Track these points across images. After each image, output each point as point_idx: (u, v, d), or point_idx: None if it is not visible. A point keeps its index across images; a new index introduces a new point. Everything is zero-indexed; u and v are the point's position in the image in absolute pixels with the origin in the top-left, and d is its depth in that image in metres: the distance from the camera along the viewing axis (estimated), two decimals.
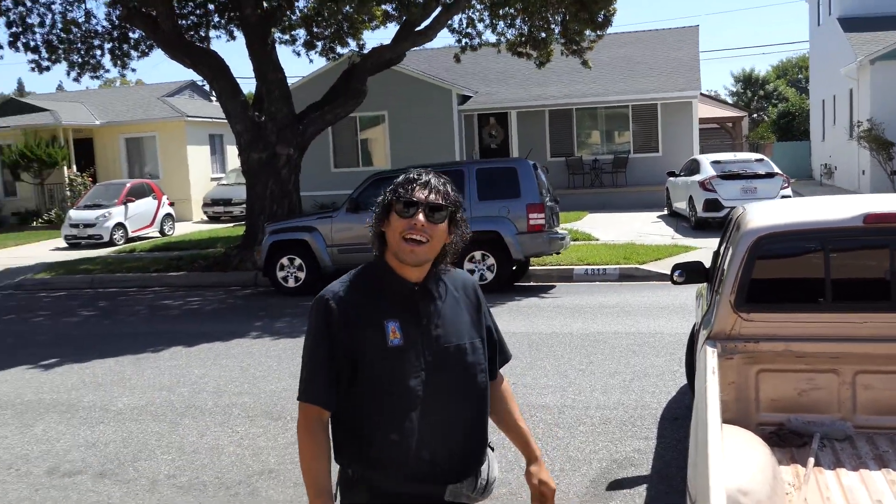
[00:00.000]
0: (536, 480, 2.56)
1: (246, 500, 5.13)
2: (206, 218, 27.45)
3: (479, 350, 2.45)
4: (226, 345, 9.27)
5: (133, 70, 21.96)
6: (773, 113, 49.01)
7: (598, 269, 12.83)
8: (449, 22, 17.22)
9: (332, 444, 2.40)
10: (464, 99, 24.77)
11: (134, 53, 19.10)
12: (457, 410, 2.38)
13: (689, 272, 5.31)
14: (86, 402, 7.39)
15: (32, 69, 19.25)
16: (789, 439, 3.84)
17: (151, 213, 22.97)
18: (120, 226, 21.69)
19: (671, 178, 19.99)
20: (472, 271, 11.79)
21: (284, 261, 12.70)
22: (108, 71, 19.55)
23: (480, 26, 18.88)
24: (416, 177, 2.35)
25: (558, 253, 12.76)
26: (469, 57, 19.85)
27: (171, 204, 24.34)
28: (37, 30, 17.86)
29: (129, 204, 22.18)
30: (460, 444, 2.39)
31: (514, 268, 12.36)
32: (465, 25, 18.67)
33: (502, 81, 25.70)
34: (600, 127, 25.09)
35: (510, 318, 9.84)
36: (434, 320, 2.36)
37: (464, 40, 18.79)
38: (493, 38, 18.92)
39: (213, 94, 16.24)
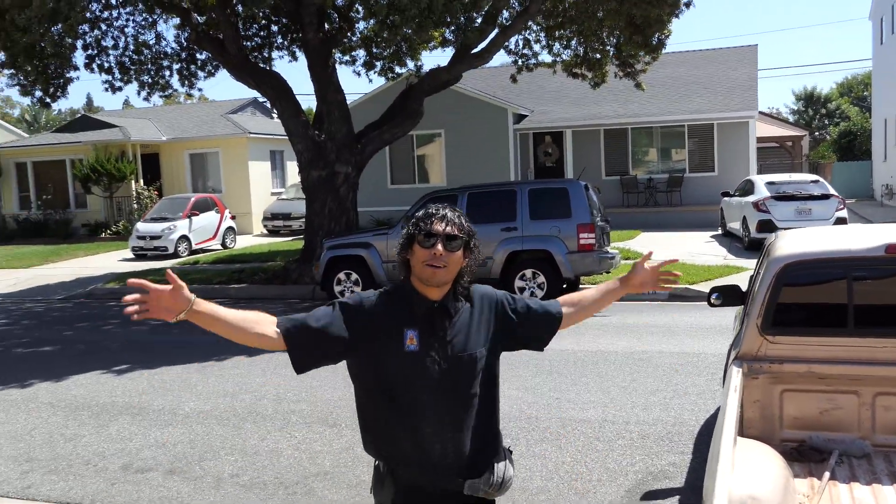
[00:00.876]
0: (640, 264, 3.14)
1: (302, 500, 5.51)
2: (265, 231, 28.22)
3: (487, 358, 2.79)
4: (285, 355, 9.68)
5: (199, 90, 22.87)
6: (835, 132, 48.27)
7: (650, 291, 12.98)
8: (505, 43, 17.60)
9: (361, 436, 2.81)
10: (519, 118, 25.11)
11: (201, 74, 19.86)
12: (469, 411, 2.72)
13: (726, 295, 5.53)
14: (155, 405, 7.90)
15: (106, 89, 20.19)
16: (809, 455, 4.08)
17: (214, 226, 23.77)
18: (184, 238, 22.50)
19: (725, 199, 20.02)
20: (522, 289, 12.12)
21: (341, 275, 13.18)
22: (176, 90, 20.28)
23: (537, 47, 19.20)
24: (434, 211, 2.73)
25: (608, 272, 12.99)
26: (525, 75, 20.20)
27: (233, 217, 25.14)
28: (111, 52, 18.74)
29: (194, 217, 23.00)
30: (473, 443, 2.73)
31: (564, 286, 12.63)
32: (521, 46, 19.04)
33: (558, 100, 25.99)
34: (655, 146, 25.18)
35: (559, 335, 10.09)
36: (450, 333, 2.71)
37: (520, 61, 19.14)
38: (548, 59, 19.24)
39: (276, 113, 16.79)
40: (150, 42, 19.46)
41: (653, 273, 3.12)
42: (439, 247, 2.66)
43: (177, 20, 18.20)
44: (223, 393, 8.20)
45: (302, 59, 17.73)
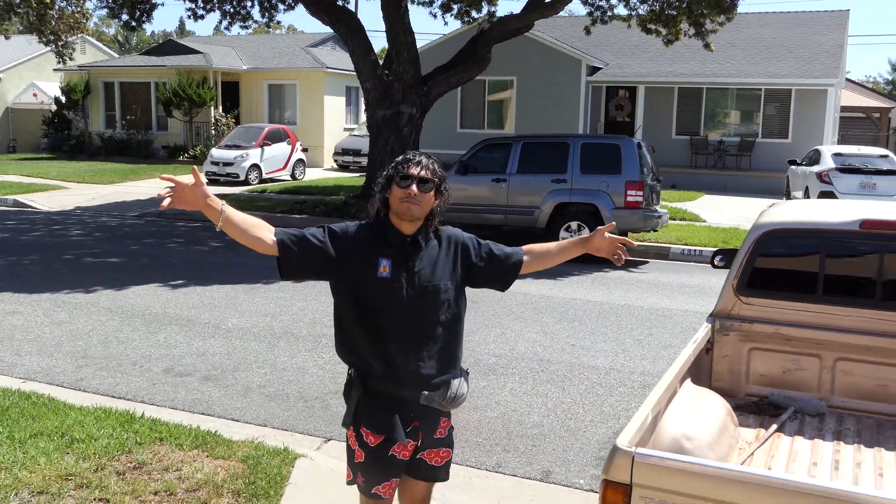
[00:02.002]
0: (601, 232, 3.43)
1: (318, 412, 6.06)
2: (335, 166, 28.89)
3: (451, 291, 3.19)
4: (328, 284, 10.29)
5: (278, 22, 23.36)
6: None
7: (695, 250, 13.15)
8: None
9: (335, 341, 3.24)
10: (593, 70, 24.98)
11: (281, 6, 20.34)
12: (431, 334, 3.13)
13: (729, 258, 5.80)
14: (202, 318, 8.56)
15: (189, 17, 20.87)
16: (766, 409, 4.40)
17: (285, 157, 24.49)
18: (255, 167, 23.28)
19: (792, 167, 19.76)
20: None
21: None
22: (256, 22, 20.79)
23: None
24: (411, 157, 3.11)
25: (655, 230, 13.16)
26: (605, 28, 20.12)
27: (305, 150, 25.82)
28: None
29: (266, 147, 23.73)
30: (433, 360, 3.14)
31: None
32: None
33: (634, 55, 25.73)
34: (729, 108, 24.82)
35: (591, 287, 10.44)
36: (418, 264, 3.12)
37: (596, 12, 19.06)
38: (624, 12, 19.11)
39: (348, 50, 17.20)
40: None
41: (610, 242, 3.44)
42: (414, 187, 3.06)
43: None
44: (264, 313, 8.82)
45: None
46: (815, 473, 3.67)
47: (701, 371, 4.59)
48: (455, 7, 19.70)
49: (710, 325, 4.51)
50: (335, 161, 28.77)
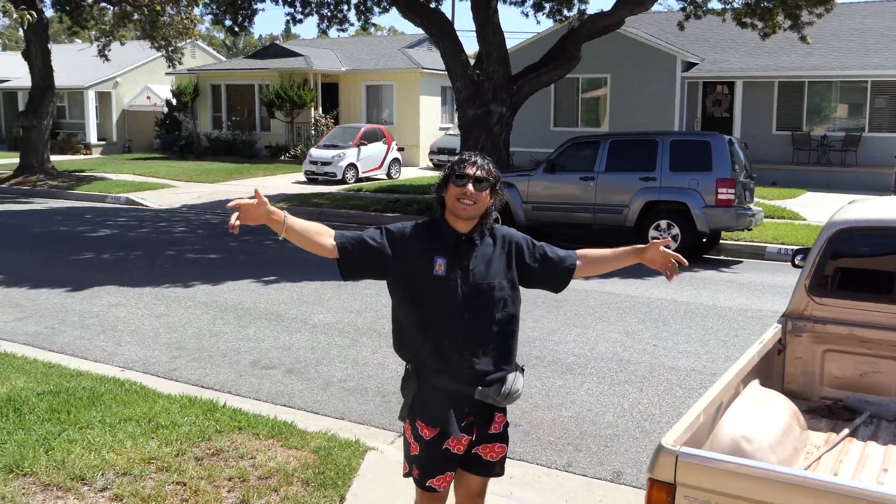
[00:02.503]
0: (656, 247, 3.44)
1: (395, 407, 6.17)
2: (431, 165, 29.18)
3: (506, 289, 3.24)
4: None
5: (373, 25, 23.75)
6: None
7: (791, 250, 12.73)
8: None
9: (392, 339, 3.35)
10: (689, 65, 24.46)
11: (376, 9, 20.71)
12: (486, 331, 3.20)
13: None
14: (290, 314, 8.85)
15: (288, 21, 21.62)
16: (839, 413, 4.28)
17: (381, 156, 24.90)
18: (352, 166, 23.77)
19: None
20: (655, 239, 12.21)
21: None
22: (352, 25, 21.24)
23: None
24: (467, 157, 3.18)
25: (749, 229, 12.83)
26: (700, 22, 19.68)
27: (401, 149, 26.20)
28: None
29: (362, 147, 24.19)
30: (488, 357, 3.21)
31: (703, 240, 12.63)
32: None
33: (732, 49, 25.05)
34: (833, 102, 23.88)
35: (679, 286, 10.27)
36: (473, 262, 3.19)
37: (689, 7, 18.68)
38: (719, 6, 18.66)
39: (439, 51, 17.39)
40: None
41: (664, 256, 3.44)
42: (470, 186, 3.13)
43: None
44: (350, 309, 9.05)
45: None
46: (883, 480, 3.56)
47: (772, 373, 4.50)
48: (547, 6, 19.67)
49: (780, 326, 4.42)
50: (430, 160, 29.07)
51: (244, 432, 5.10)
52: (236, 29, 19.59)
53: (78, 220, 16.48)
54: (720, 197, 11.92)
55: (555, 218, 13.25)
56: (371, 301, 9.39)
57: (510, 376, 3.28)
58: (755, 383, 4.01)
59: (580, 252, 3.50)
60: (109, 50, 26.12)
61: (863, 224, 4.39)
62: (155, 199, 20.06)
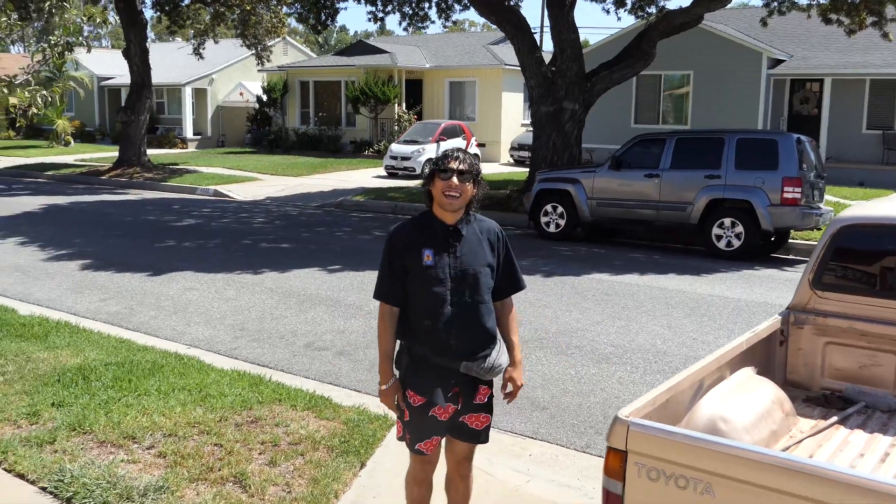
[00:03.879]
0: (508, 376, 3.68)
1: None
2: (511, 161, 29.42)
3: (489, 274, 3.57)
4: None
5: (454, 22, 23.93)
6: None
7: None
8: None
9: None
10: (775, 62, 23.99)
11: (457, 7, 21.08)
12: (470, 311, 3.52)
13: None
14: (348, 300, 9.31)
15: (369, 19, 22.11)
16: (834, 402, 4.43)
17: None
18: (431, 161, 24.20)
19: None
20: (719, 237, 12.25)
21: (548, 207, 13.98)
22: (433, 22, 21.66)
23: None
24: (450, 153, 3.51)
25: (817, 228, 12.67)
26: (789, 18, 19.32)
27: (482, 145, 26.52)
28: None
29: (441, 142, 24.63)
30: (472, 334, 3.53)
31: (771, 238, 12.57)
32: None
33: (821, 46, 24.43)
34: None
35: (733, 283, 10.31)
36: (459, 250, 3.51)
37: (772, 3, 18.42)
38: (804, 1, 18.31)
39: (514, 48, 17.64)
40: None
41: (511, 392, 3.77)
42: (454, 179, 3.46)
43: None
44: None
45: None
46: (855, 464, 3.73)
47: (774, 363, 4.68)
48: (628, 2, 19.66)
49: (780, 318, 4.59)
50: (511, 156, 29.31)
51: (283, 404, 5.54)
52: (319, 28, 20.26)
53: (166, 210, 17.44)
54: (786, 196, 11.84)
55: (619, 214, 13.36)
56: None
57: (493, 352, 3.60)
58: (747, 370, 4.21)
59: (512, 308, 3.80)
60: (204, 48, 27.32)
61: (866, 221, 4.51)
62: (240, 192, 20.96)
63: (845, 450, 3.89)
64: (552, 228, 13.94)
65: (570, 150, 16.71)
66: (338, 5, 19.96)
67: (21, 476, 4.45)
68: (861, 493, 2.57)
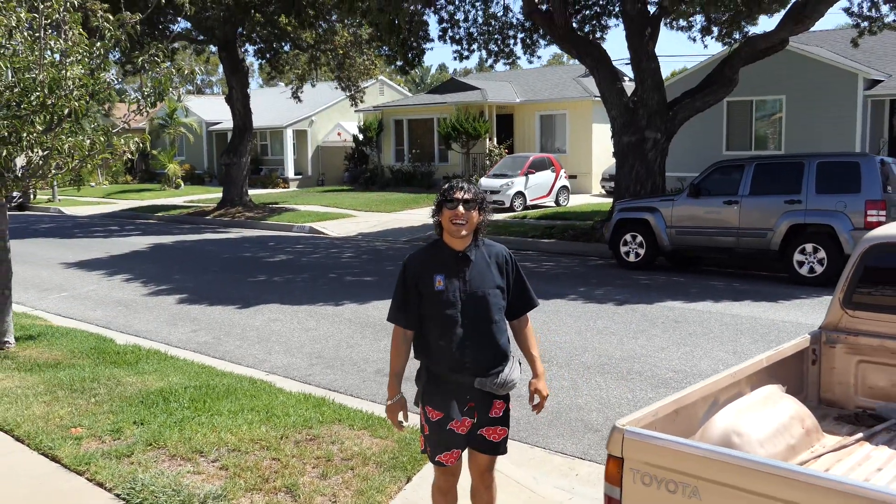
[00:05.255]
0: (533, 387, 3.89)
1: None
2: (603, 192, 29.40)
3: (499, 295, 3.82)
4: (542, 302, 10.97)
5: (539, 57, 24.28)
6: None
7: None
8: (846, 5, 16.76)
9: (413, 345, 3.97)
10: (872, 83, 23.32)
11: (542, 42, 21.45)
12: (481, 331, 3.79)
13: None
14: None
15: (455, 58, 22.75)
16: (864, 420, 4.46)
17: (549, 184, 25.50)
18: (520, 194, 24.52)
19: None
20: (801, 263, 12.06)
21: (628, 237, 14.04)
22: (518, 58, 22.05)
23: (885, 8, 17.91)
24: (455, 184, 3.80)
25: None
26: (884, 37, 18.80)
27: (573, 177, 26.66)
28: (461, 24, 21.03)
29: (530, 175, 24.92)
30: (484, 352, 3.80)
31: None
32: (863, 8, 17.90)
33: None
34: None
35: (811, 310, 10.15)
36: (468, 274, 3.79)
37: (862, 23, 18.03)
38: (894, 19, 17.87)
39: (595, 81, 17.83)
40: (499, 14, 21.49)
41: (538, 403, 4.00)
42: (460, 208, 3.76)
43: None
44: None
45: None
46: (869, 478, 3.79)
47: (807, 382, 4.75)
48: (715, 29, 19.58)
49: (808, 337, 4.66)
50: (602, 187, 29.29)
51: (342, 424, 5.90)
52: (406, 68, 20.94)
53: (262, 246, 18.28)
54: (869, 219, 11.58)
55: (698, 242, 13.31)
56: None
57: (506, 368, 3.86)
58: (772, 387, 4.31)
59: (528, 323, 4.06)
60: (302, 92, 28.55)
61: (893, 240, 4.56)
62: (334, 228, 21.73)
63: (864, 465, 3.95)
64: (632, 258, 13.98)
65: (654, 180, 16.71)
66: (424, 46, 20.60)
67: (100, 484, 4.93)
68: (836, 497, 2.70)
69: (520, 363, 3.97)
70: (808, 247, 12.04)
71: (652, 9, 17.14)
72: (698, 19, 19.39)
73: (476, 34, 21.20)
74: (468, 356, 3.80)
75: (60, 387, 6.90)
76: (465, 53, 21.17)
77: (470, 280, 3.81)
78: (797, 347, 4.56)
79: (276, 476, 4.94)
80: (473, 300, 3.80)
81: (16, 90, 7.83)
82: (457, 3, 20.88)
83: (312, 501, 4.66)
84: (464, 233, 3.78)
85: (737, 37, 19.15)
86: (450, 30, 21.05)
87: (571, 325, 9.66)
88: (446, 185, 3.90)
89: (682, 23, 19.48)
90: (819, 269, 11.92)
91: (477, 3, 21.05)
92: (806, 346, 4.66)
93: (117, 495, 4.79)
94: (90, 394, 6.69)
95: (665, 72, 18.41)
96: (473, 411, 3.87)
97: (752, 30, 18.91)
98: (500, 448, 3.98)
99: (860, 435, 4.25)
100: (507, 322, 3.93)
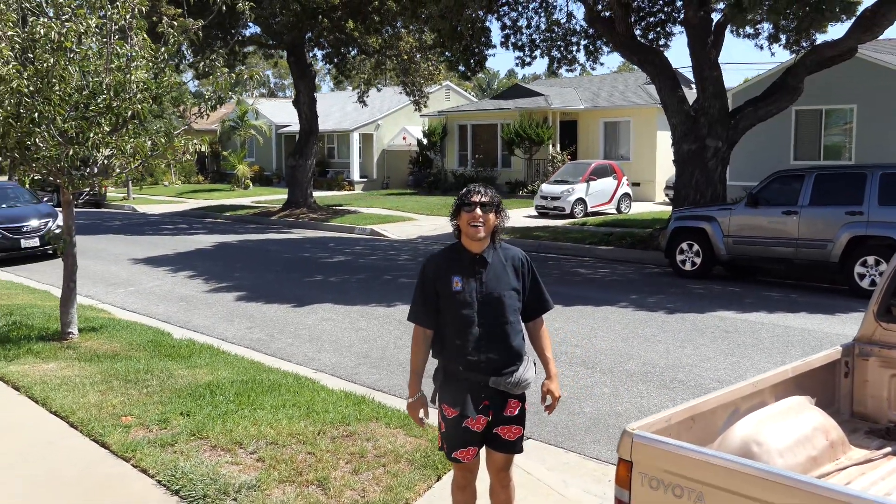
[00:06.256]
0: (546, 388, 3.97)
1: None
2: (666, 200, 29.02)
3: (514, 297, 3.91)
4: (592, 308, 11.02)
5: (602, 64, 24.24)
6: None
7: None
8: None
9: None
10: None
11: (605, 49, 21.36)
12: (496, 331, 3.88)
13: None
14: None
15: (517, 64, 22.80)
16: (895, 434, 4.41)
17: (610, 191, 25.35)
18: (580, 201, 24.43)
19: None
20: (862, 275, 11.79)
21: (684, 245, 13.91)
22: (581, 65, 21.96)
23: None
24: (472, 188, 3.90)
25: None
26: None
27: (636, 185, 26.45)
28: (524, 31, 21.09)
29: (591, 182, 24.80)
30: (499, 352, 3.88)
31: None
32: None
33: None
34: None
35: (852, 322, 9.88)
36: (485, 276, 3.88)
37: None
38: None
39: (656, 88, 17.68)
40: (562, 21, 21.48)
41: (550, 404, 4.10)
42: (477, 210, 3.86)
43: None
44: None
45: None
46: (890, 492, 3.76)
47: (839, 394, 4.71)
48: (783, 37, 19.25)
49: (840, 349, 4.62)
50: (665, 195, 28.92)
51: (379, 421, 6.04)
52: (469, 74, 21.09)
53: (321, 248, 18.63)
54: None
55: (756, 252, 13.12)
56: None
57: (520, 368, 3.94)
58: (798, 398, 4.29)
59: (543, 325, 4.14)
60: (367, 96, 28.95)
61: None
62: (395, 231, 21.98)
63: (888, 479, 3.91)
64: (688, 266, 13.85)
65: (714, 188, 16.50)
66: (486, 52, 20.72)
67: (144, 471, 5.17)
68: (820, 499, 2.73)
69: (535, 363, 4.05)
70: (870, 259, 11.76)
71: (716, 17, 16.96)
72: (765, 27, 19.10)
73: (539, 41, 21.25)
74: (483, 355, 3.89)
75: (116, 377, 7.21)
76: (528, 60, 21.24)
77: (486, 282, 3.91)
78: (827, 359, 4.53)
79: (310, 469, 5.10)
80: (489, 301, 3.90)
81: (84, 93, 8.21)
82: (520, 9, 20.97)
83: (342, 495, 4.80)
84: (481, 235, 3.88)
85: (804, 45, 18.80)
86: (512, 36, 21.13)
87: (619, 332, 9.65)
88: (464, 190, 4.01)
89: (749, 30, 19.22)
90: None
91: (540, 11, 21.12)
92: (837, 357, 4.62)
93: (158, 482, 5.01)
94: (143, 385, 6.98)
95: (738, 79, 18.17)
96: (488, 410, 3.96)
97: (822, 37, 18.56)
98: (515, 447, 4.06)
99: (888, 449, 4.20)
100: (522, 323, 4.01)
